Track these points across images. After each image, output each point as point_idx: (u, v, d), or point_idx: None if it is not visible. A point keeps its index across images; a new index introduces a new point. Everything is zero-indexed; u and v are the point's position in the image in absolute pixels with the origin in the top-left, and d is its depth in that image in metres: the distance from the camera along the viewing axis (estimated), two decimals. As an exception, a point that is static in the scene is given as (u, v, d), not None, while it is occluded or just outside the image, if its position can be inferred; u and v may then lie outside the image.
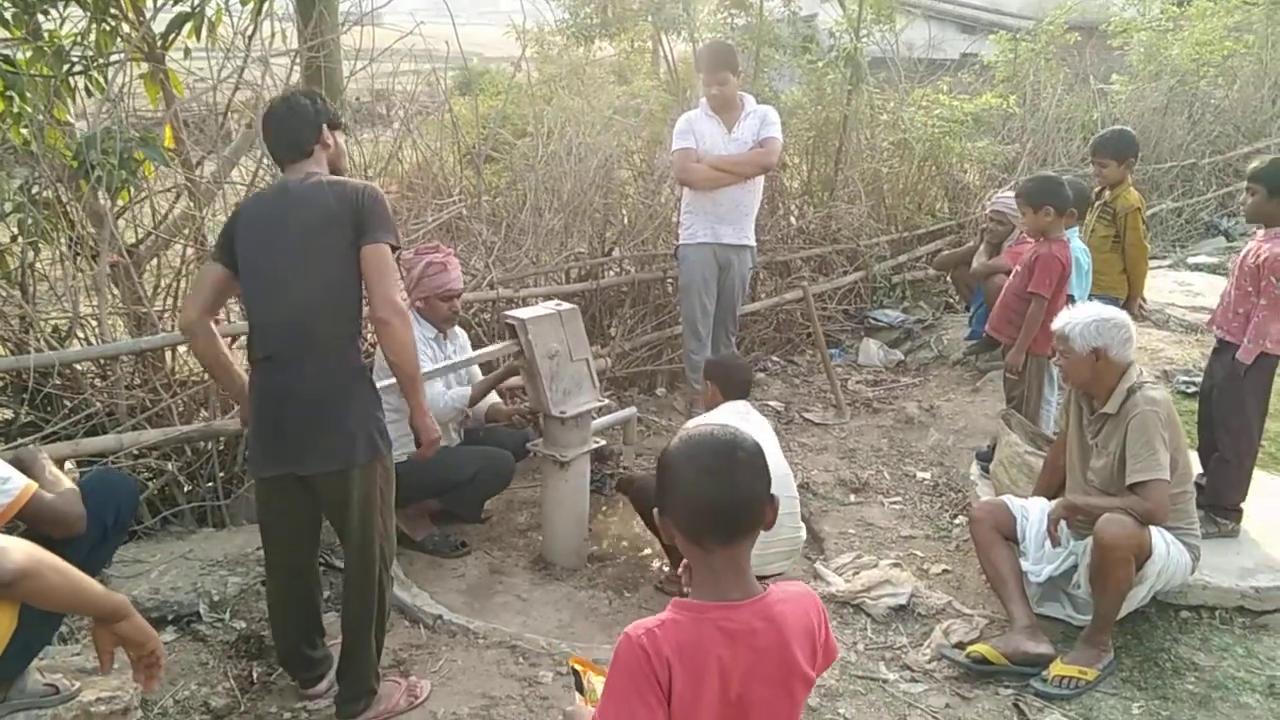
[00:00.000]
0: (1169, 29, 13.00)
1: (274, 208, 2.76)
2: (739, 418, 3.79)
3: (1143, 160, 9.99)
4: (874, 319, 7.15)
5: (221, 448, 4.00)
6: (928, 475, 4.90)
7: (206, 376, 4.02)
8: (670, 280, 5.96)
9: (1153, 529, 3.15)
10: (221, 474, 3.97)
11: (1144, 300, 4.92)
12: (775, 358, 6.66)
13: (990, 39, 10.74)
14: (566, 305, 3.95)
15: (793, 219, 7.09)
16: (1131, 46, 12.57)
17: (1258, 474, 3.89)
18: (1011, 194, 6.08)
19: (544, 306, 3.94)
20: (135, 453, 3.66)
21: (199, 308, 2.83)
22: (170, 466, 3.85)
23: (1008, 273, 5.66)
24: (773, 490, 3.70)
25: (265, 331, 2.76)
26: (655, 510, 1.73)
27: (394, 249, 2.74)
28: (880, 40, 7.74)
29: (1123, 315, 3.30)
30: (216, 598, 3.46)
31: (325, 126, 2.82)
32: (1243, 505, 3.78)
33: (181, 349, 4.02)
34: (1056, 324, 3.37)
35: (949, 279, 7.14)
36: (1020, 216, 5.72)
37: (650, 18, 7.17)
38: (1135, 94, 10.81)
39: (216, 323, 2.94)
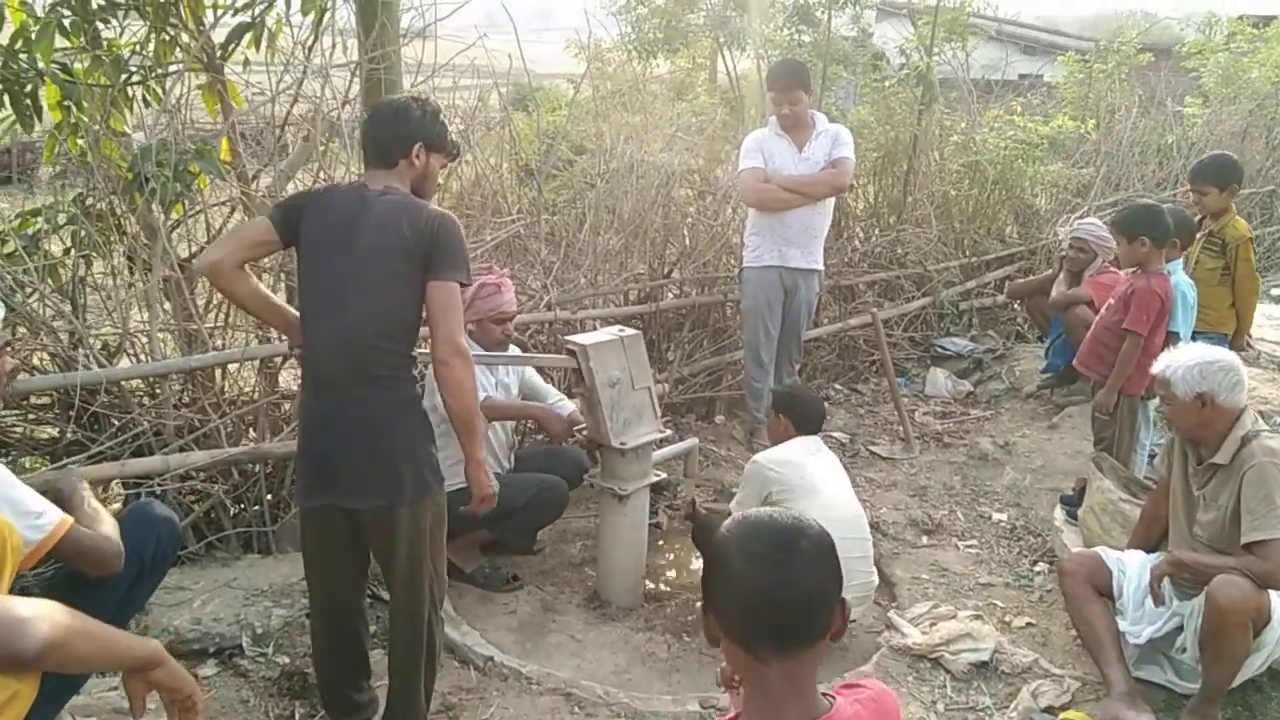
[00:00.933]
0: (1247, 51, 12.57)
1: (346, 214, 2.60)
2: (809, 454, 3.60)
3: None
4: (941, 347, 6.87)
5: (269, 470, 3.87)
6: (1004, 517, 4.62)
7: (256, 396, 3.92)
8: (731, 304, 5.75)
9: (1272, 592, 2.87)
10: (269, 497, 3.84)
11: (1249, 337, 4.61)
12: (838, 385, 6.41)
13: (1059, 60, 10.43)
14: (629, 331, 3.77)
15: (857, 242, 6.84)
16: (1208, 69, 12.17)
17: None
18: (1094, 220, 5.82)
19: (606, 332, 3.76)
20: (181, 474, 3.53)
21: (225, 250, 2.64)
22: (217, 489, 3.71)
23: (1089, 303, 5.42)
24: (844, 535, 3.48)
25: (317, 354, 2.62)
26: (700, 605, 1.51)
27: (463, 285, 2.60)
28: (951, 60, 7.49)
29: (1231, 357, 3.04)
30: (260, 630, 3.31)
31: (421, 144, 2.66)
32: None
33: (232, 367, 3.91)
34: (1157, 367, 3.11)
35: (1023, 308, 6.84)
36: (1104, 244, 5.51)
37: (715, 32, 6.99)
38: (1213, 117, 10.41)
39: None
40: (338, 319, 2.56)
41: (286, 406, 4.02)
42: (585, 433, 3.86)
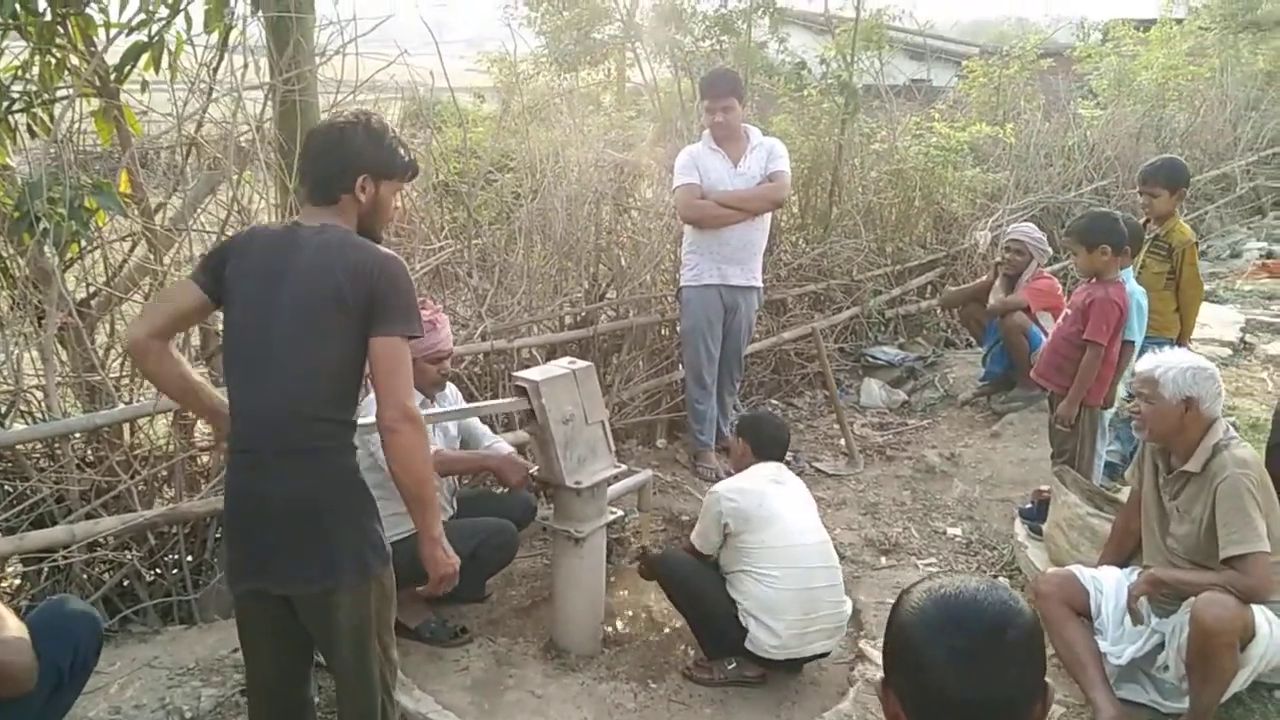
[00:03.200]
0: (1135, 54, 13.08)
1: (274, 259, 2.29)
2: (772, 483, 3.45)
3: (1119, 185, 9.94)
4: (872, 357, 6.84)
5: (189, 531, 3.53)
6: (959, 531, 4.56)
7: (171, 450, 3.58)
8: (668, 324, 5.59)
9: (1254, 606, 2.82)
10: (190, 560, 3.50)
11: (1190, 341, 4.65)
12: (775, 401, 6.31)
13: (965, 65, 10.62)
14: (581, 363, 3.56)
15: (786, 255, 6.76)
16: (1099, 72, 12.60)
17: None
18: (1027, 224, 5.85)
19: (556, 365, 3.54)
20: (89, 544, 3.18)
21: (150, 325, 2.34)
22: (130, 557, 3.37)
23: (1026, 309, 5.42)
24: (810, 564, 3.33)
25: (242, 421, 2.31)
26: (880, 680, 1.32)
27: (412, 337, 2.31)
28: (869, 68, 7.50)
29: (1213, 367, 3.00)
30: (189, 714, 2.99)
31: (367, 175, 2.34)
32: (1324, 567, 3.48)
33: (143, 421, 3.55)
34: (1145, 365, 3.04)
35: (956, 315, 6.85)
36: (1040, 246, 5.53)
37: (633, 44, 6.83)
38: (1110, 119, 10.74)
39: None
40: (263, 383, 2.26)
41: (205, 459, 3.68)
42: (537, 473, 3.63)
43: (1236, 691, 2.98)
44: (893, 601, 3.66)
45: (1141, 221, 4.42)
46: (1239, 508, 2.86)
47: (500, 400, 3.48)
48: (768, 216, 4.94)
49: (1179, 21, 15.98)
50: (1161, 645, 3.05)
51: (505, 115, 5.79)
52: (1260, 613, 2.86)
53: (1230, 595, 2.79)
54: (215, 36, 3.60)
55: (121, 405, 3.38)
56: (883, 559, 4.33)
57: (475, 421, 3.91)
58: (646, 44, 6.79)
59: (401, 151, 2.42)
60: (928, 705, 1.25)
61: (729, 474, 4.68)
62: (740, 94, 4.77)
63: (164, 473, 3.57)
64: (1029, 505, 4.14)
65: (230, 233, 3.70)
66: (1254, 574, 2.81)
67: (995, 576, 4.12)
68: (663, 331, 5.68)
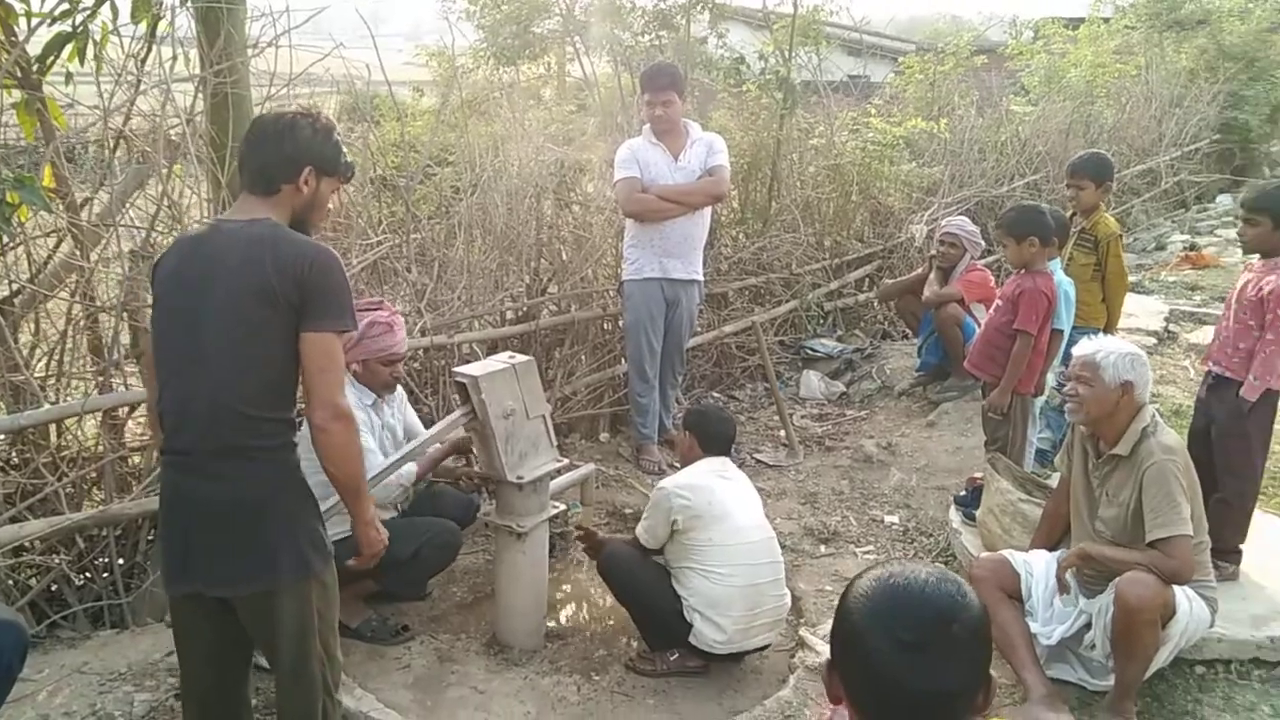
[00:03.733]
0: (1065, 52, 13.39)
1: (202, 255, 2.26)
2: (720, 478, 3.47)
3: (1050, 179, 10.18)
4: (811, 349, 6.92)
5: (119, 534, 3.44)
6: (896, 519, 4.65)
7: (100, 451, 3.49)
8: (610, 318, 5.60)
9: (1175, 587, 2.93)
10: (121, 563, 3.42)
11: (1117, 331, 4.78)
12: (716, 394, 6.36)
13: (901, 61, 10.78)
14: (521, 357, 3.55)
15: (726, 250, 6.81)
16: (1030, 69, 12.88)
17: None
18: (961, 218, 5.96)
19: (496, 360, 3.52)
20: (14, 548, 3.09)
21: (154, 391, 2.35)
22: (58, 561, 3.28)
23: (960, 301, 5.54)
24: (757, 560, 3.37)
25: (176, 420, 2.25)
26: (825, 663, 1.34)
27: (344, 333, 2.28)
28: (807, 64, 7.57)
29: (1145, 355, 3.10)
30: (122, 720, 2.92)
31: (311, 168, 2.31)
32: (1242, 547, 3.62)
33: (70, 421, 3.46)
34: (1085, 349, 3.12)
35: (892, 307, 6.96)
36: (974, 240, 5.64)
37: (572, 39, 6.81)
38: (1041, 115, 10.98)
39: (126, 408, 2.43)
40: (194, 381, 2.22)
41: (136, 460, 3.60)
42: (478, 469, 3.61)
43: (1159, 668, 3.09)
44: (832, 589, 3.72)
45: (1068, 214, 4.54)
46: (1165, 492, 2.96)
47: (443, 422, 3.44)
48: (708, 211, 4.97)
49: (1106, 20, 16.41)
50: (1089, 625, 3.15)
51: (444, 109, 5.73)
52: (1180, 592, 2.97)
53: (1152, 575, 2.89)
54: (143, 27, 3.51)
55: (47, 405, 3.29)
56: (822, 547, 4.40)
57: (418, 425, 3.87)
58: (586, 38, 6.77)
59: (345, 152, 2.42)
60: (872, 692, 1.27)
61: (672, 467, 4.73)
62: (680, 88, 4.80)
63: (93, 474, 3.48)
64: (963, 492, 4.23)
65: (159, 228, 3.63)
66: (1177, 556, 2.91)
67: (932, 563, 4.21)
68: (605, 326, 5.69)
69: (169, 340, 2.28)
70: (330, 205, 2.48)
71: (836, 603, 1.39)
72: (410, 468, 3.57)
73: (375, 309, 3.57)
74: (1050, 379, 4.23)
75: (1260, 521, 3.85)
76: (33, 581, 3.28)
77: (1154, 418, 3.10)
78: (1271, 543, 3.85)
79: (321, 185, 2.36)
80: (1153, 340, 7.11)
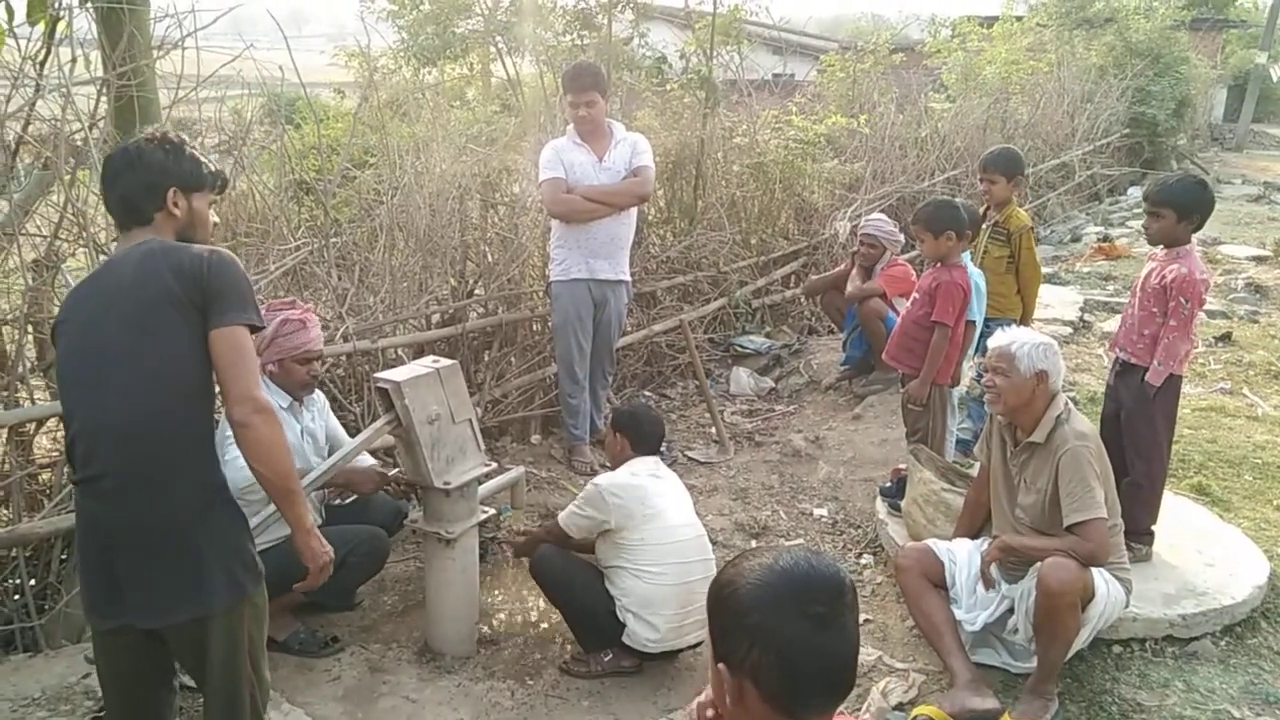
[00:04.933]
0: (980, 50, 13.71)
1: (95, 289, 2.19)
2: (653, 478, 3.48)
3: (969, 174, 10.42)
4: (740, 346, 6.98)
5: (30, 554, 3.32)
6: (824, 512, 4.71)
7: (7, 468, 3.36)
8: (538, 319, 5.57)
9: (1093, 569, 3.02)
10: (33, 584, 3.30)
11: (1032, 321, 4.91)
12: (647, 393, 6.37)
13: (823, 59, 10.92)
14: (445, 361, 3.51)
15: (654, 249, 6.82)
16: (950, 66, 13.16)
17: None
18: (879, 216, 6.06)
19: (419, 364, 3.48)
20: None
21: None
22: (-36, 584, 3.15)
23: (882, 296, 5.63)
24: (688, 557, 3.39)
25: (87, 443, 2.15)
26: (721, 666, 1.35)
27: (253, 329, 2.22)
28: (729, 63, 7.63)
29: (1056, 344, 3.19)
30: (35, 748, 2.82)
31: (176, 189, 2.26)
32: (1153, 528, 3.75)
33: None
34: (1000, 341, 3.19)
35: (817, 303, 7.05)
36: (892, 239, 5.74)
37: (493, 39, 6.76)
38: (959, 112, 11.23)
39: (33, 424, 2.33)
40: (103, 400, 2.12)
41: (46, 477, 3.47)
42: (403, 476, 3.56)
43: (1079, 649, 3.18)
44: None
45: (981, 209, 4.64)
46: (1080, 478, 3.04)
47: (370, 428, 3.38)
48: (634, 211, 4.98)
49: (1019, 19, 16.88)
50: (1011, 610, 3.22)
51: (363, 110, 5.63)
52: (1099, 574, 3.06)
53: (1072, 559, 2.97)
54: (40, 28, 3.38)
55: (-52, 423, 3.16)
56: (752, 542, 4.43)
57: (341, 432, 3.81)
58: (508, 38, 6.72)
59: (205, 162, 2.35)
60: (793, 677, 1.31)
61: (604, 467, 4.72)
62: (603, 88, 4.79)
63: (0, 492, 3.35)
64: (889, 484, 4.30)
65: (63, 236, 3.51)
66: (1093, 539, 3.00)
67: (859, 554, 4.28)
68: (534, 327, 5.66)
69: (72, 371, 2.19)
70: (213, 219, 2.41)
71: (711, 619, 1.42)
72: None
73: (287, 307, 3.50)
74: (967, 369, 4.32)
75: (1170, 503, 4.00)
76: (-63, 606, 3.16)
77: (1067, 405, 3.19)
78: (1180, 523, 3.99)
79: (194, 202, 2.31)
80: (1069, 330, 7.32)
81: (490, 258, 5.55)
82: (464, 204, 5.35)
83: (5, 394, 3.36)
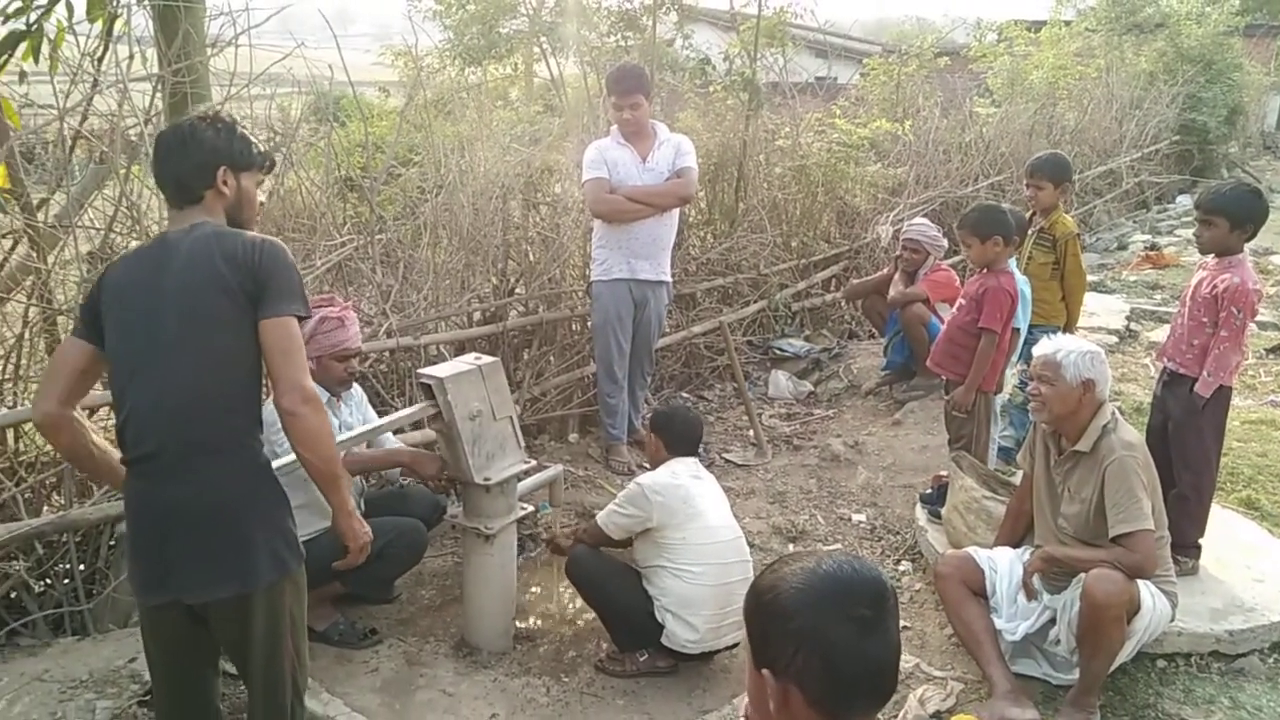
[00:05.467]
0: (1027, 54, 13.55)
1: (147, 270, 2.24)
2: (694, 479, 3.48)
3: (1014, 180, 10.29)
4: (779, 349, 6.95)
5: (80, 539, 3.39)
6: (863, 517, 4.68)
7: (59, 456, 3.43)
8: (578, 319, 5.59)
9: (1140, 581, 2.97)
10: (82, 569, 3.37)
11: (1076, 329, 4.84)
12: (685, 394, 6.37)
13: (866, 63, 10.86)
14: (487, 358, 3.53)
15: (694, 250, 6.82)
16: (996, 70, 13.02)
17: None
18: (922, 221, 6.02)
19: (462, 361, 3.51)
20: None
21: (56, 396, 2.26)
22: (17, 567, 3.22)
23: (925, 301, 5.59)
24: (727, 559, 3.38)
25: (139, 424, 2.21)
26: (765, 672, 1.35)
27: (301, 319, 2.26)
28: (773, 65, 7.61)
29: (1103, 352, 3.14)
30: (82, 729, 2.88)
31: (226, 167, 2.31)
32: (1200, 541, 3.68)
33: (27, 426, 3.40)
34: (1046, 349, 3.15)
35: (859, 307, 7.01)
36: (935, 244, 5.69)
37: (538, 39, 6.80)
38: (1005, 117, 11.11)
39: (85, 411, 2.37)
40: (155, 383, 2.18)
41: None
42: (445, 470, 3.59)
43: (1123, 662, 3.14)
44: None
45: (1027, 214, 4.59)
46: (1127, 488, 2.99)
47: (405, 411, 3.42)
48: (676, 212, 4.98)
49: (1067, 23, 16.66)
50: (1053, 621, 3.18)
51: (409, 109, 5.69)
52: (1145, 587, 3.01)
53: (1118, 571, 2.93)
54: (99, 25, 3.46)
55: (4, 410, 3.24)
56: (790, 546, 4.41)
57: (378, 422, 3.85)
58: (553, 39, 6.75)
59: (254, 143, 2.40)
60: (838, 680, 1.31)
61: (641, 468, 4.73)
62: (647, 90, 4.80)
63: (52, 479, 3.43)
64: (929, 490, 4.26)
65: (118, 230, 3.58)
66: (1140, 551, 2.95)
67: (898, 561, 4.25)
68: (573, 326, 5.68)
69: (125, 354, 2.24)
70: (261, 199, 2.47)
71: (751, 624, 1.42)
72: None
73: (326, 304, 3.54)
74: (1010, 376, 4.27)
75: (1218, 516, 3.92)
76: (-10, 589, 3.23)
77: (1114, 415, 3.14)
78: (1228, 537, 3.92)
79: (242, 181, 2.36)
80: (1114, 339, 7.21)
81: (531, 257, 5.58)
82: (506, 203, 5.38)
83: (59, 382, 3.43)
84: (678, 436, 3.60)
